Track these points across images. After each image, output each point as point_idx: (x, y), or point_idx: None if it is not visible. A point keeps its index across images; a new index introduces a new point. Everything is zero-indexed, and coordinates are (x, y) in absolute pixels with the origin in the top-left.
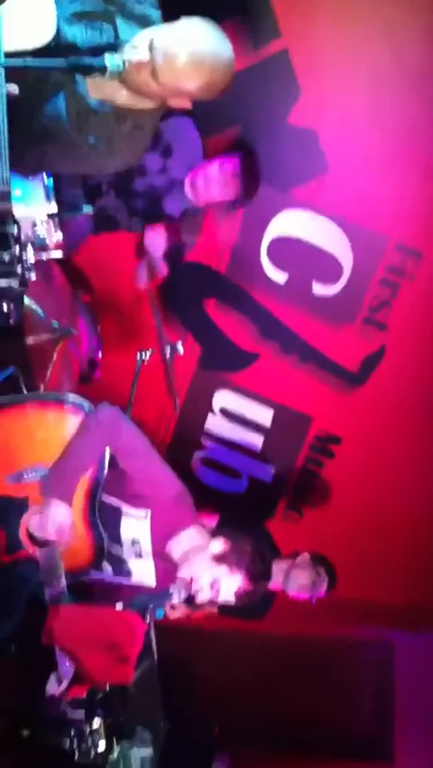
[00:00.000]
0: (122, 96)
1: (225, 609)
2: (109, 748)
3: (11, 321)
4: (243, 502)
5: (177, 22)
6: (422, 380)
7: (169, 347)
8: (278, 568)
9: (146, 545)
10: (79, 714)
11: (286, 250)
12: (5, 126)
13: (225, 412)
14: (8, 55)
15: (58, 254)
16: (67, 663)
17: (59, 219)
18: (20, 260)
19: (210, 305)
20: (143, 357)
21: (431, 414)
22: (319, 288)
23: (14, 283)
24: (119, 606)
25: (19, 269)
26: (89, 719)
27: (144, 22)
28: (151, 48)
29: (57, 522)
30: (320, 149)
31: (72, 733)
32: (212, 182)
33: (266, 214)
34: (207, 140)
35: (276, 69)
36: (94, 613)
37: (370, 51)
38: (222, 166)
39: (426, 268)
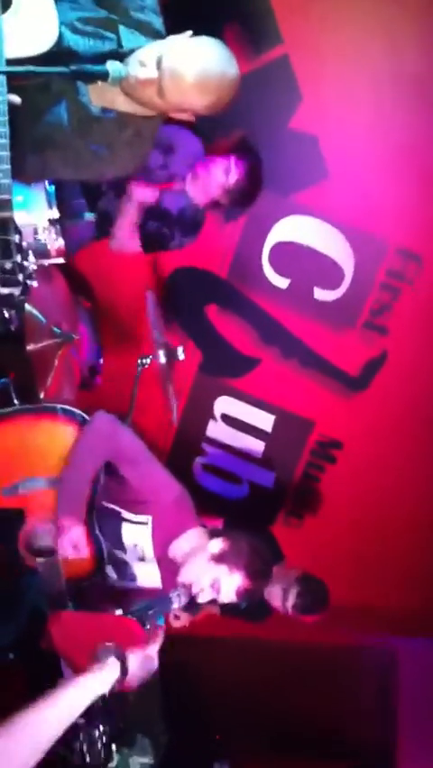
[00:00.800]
0: (123, 104)
1: (227, 610)
2: (109, 756)
3: (12, 327)
4: (244, 508)
5: (185, 40)
6: (423, 385)
7: (163, 353)
8: (274, 573)
9: (148, 550)
10: (79, 721)
11: (288, 255)
12: (7, 134)
13: (226, 418)
14: (10, 62)
15: (59, 261)
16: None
17: (61, 226)
18: (21, 267)
19: (212, 310)
20: (144, 363)
21: (432, 418)
22: (321, 293)
23: (16, 291)
24: (119, 612)
25: (21, 277)
26: (89, 726)
27: (147, 29)
28: (158, 66)
29: (72, 540)
30: (321, 154)
31: (72, 740)
32: (213, 180)
33: (268, 219)
34: (207, 145)
35: (277, 75)
36: (94, 619)
37: (370, 57)
38: (224, 164)
39: (426, 272)
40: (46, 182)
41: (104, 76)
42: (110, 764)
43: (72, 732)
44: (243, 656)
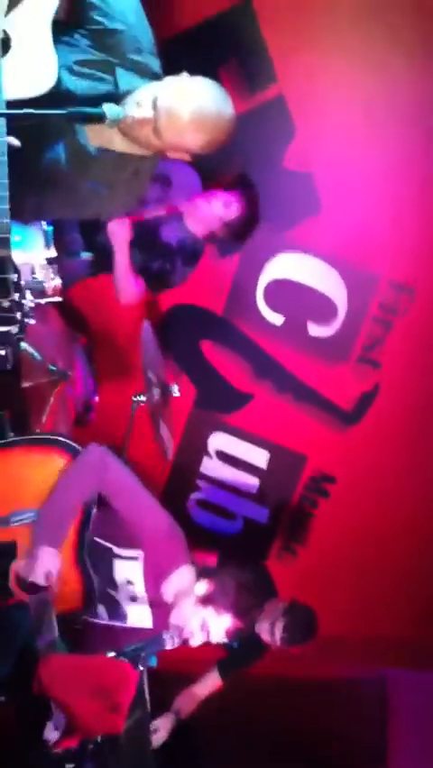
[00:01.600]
0: (121, 144)
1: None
2: None
3: (8, 366)
4: (237, 543)
5: (180, 80)
6: (416, 418)
7: (157, 392)
8: (264, 609)
9: (140, 588)
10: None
11: (282, 292)
12: (6, 174)
13: (220, 454)
14: (9, 104)
15: (56, 299)
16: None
17: (58, 263)
18: (19, 306)
19: (206, 346)
20: (139, 401)
21: (425, 451)
22: (315, 329)
23: (13, 329)
24: (111, 654)
25: (18, 315)
26: None
27: (144, 71)
28: (154, 106)
29: (46, 568)
30: (315, 191)
31: None
32: (213, 212)
33: (262, 255)
34: (206, 180)
35: (272, 113)
36: (85, 661)
37: (363, 93)
38: (225, 197)
39: (418, 304)
40: (43, 221)
41: (101, 118)
42: None
43: None
44: (233, 692)
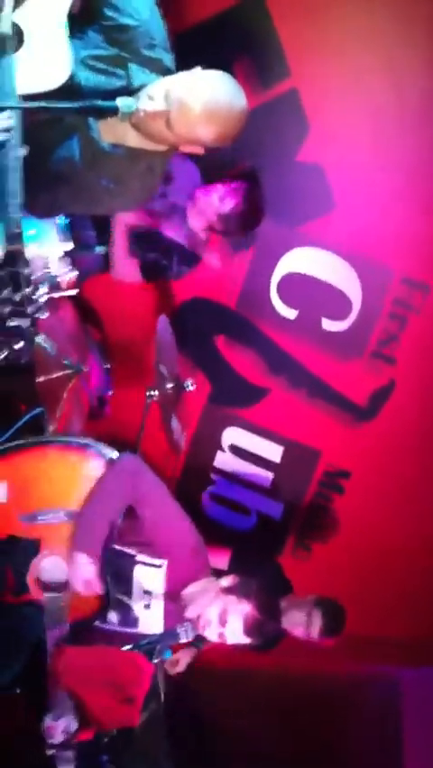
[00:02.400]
0: (134, 139)
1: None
2: None
3: (22, 360)
4: (251, 538)
5: (192, 73)
6: (430, 414)
7: (169, 387)
8: (284, 604)
9: (158, 590)
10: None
11: (296, 286)
12: (20, 169)
13: (234, 449)
14: (23, 97)
15: (71, 293)
16: (66, 704)
17: (72, 257)
18: (30, 300)
19: (221, 341)
20: (152, 395)
21: None
22: (329, 324)
23: (25, 323)
24: (126, 647)
25: (29, 309)
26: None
27: (157, 66)
28: (166, 99)
29: (84, 577)
30: (328, 185)
31: None
32: (209, 205)
33: (276, 251)
34: (211, 175)
35: (285, 108)
36: (100, 653)
37: (377, 88)
38: (220, 190)
39: (432, 300)
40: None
41: (114, 111)
42: None
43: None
44: (249, 690)
